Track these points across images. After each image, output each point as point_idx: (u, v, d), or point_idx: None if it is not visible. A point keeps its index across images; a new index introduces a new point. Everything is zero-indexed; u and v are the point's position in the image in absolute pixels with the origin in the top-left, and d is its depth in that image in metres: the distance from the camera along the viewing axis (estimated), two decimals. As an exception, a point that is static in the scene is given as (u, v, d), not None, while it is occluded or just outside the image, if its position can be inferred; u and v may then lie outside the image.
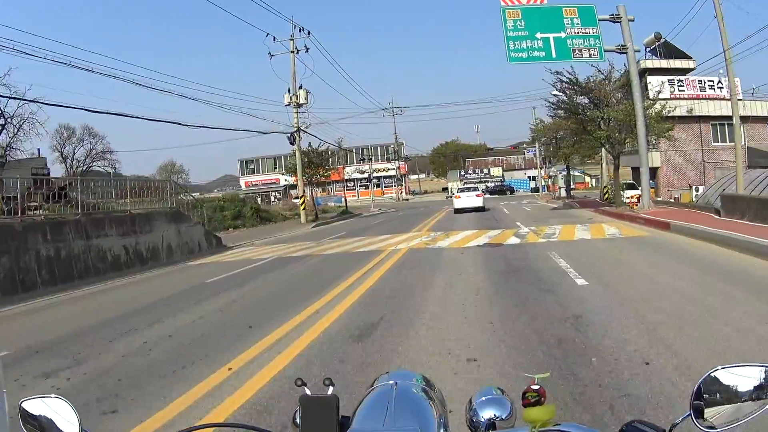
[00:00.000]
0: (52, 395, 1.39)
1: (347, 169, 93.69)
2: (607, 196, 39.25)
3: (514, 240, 17.35)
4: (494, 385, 1.77)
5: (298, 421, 1.47)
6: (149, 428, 4.58)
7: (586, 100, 29.01)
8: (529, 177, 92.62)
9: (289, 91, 40.77)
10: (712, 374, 1.22)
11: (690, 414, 1.20)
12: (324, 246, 20.47)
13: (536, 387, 1.34)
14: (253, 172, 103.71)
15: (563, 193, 50.67)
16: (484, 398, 1.67)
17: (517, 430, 1.44)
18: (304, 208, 40.48)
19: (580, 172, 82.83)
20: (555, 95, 30.31)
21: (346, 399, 1.90)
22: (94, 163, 79.21)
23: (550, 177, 76.39)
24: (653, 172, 45.81)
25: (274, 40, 40.73)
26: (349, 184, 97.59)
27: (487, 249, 15.56)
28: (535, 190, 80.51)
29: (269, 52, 40.22)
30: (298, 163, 41.13)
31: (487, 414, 1.62)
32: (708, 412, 1.20)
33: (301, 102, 40.62)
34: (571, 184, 51.38)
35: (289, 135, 40.19)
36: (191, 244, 22.67)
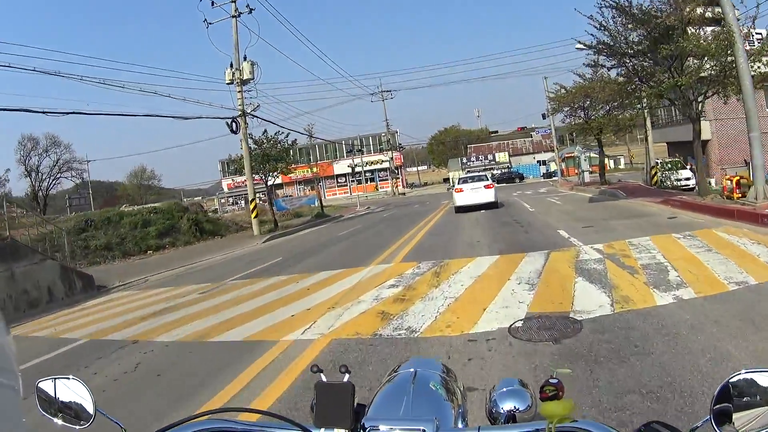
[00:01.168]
0: (70, 376, 1.41)
1: (336, 164, 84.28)
2: (656, 179, 29.15)
3: (588, 297, 7.33)
4: (516, 377, 1.79)
5: (314, 407, 1.42)
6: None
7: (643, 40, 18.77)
8: (538, 162, 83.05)
9: (231, 65, 31.53)
10: (734, 378, 1.18)
11: (710, 418, 1.14)
12: (175, 317, 10.10)
13: (554, 381, 1.35)
14: (236, 173, 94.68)
15: (587, 177, 40.37)
16: (504, 389, 1.69)
17: (535, 423, 1.30)
18: (255, 216, 30.50)
19: (596, 152, 72.51)
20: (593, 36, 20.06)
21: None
22: (62, 175, 73.12)
23: (565, 159, 66.45)
24: (701, 145, 36.58)
25: (213, 4, 31.59)
26: (340, 180, 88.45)
27: (543, 352, 5.50)
28: (549, 175, 70.93)
29: (205, 19, 31.05)
30: (245, 156, 31.16)
31: (507, 405, 1.64)
32: (727, 417, 1.14)
33: (246, 77, 31.29)
34: (588, 166, 41.13)
35: (229, 120, 30.15)
36: (35, 292, 15.53)
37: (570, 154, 62.49)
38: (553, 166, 73.36)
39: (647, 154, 31.09)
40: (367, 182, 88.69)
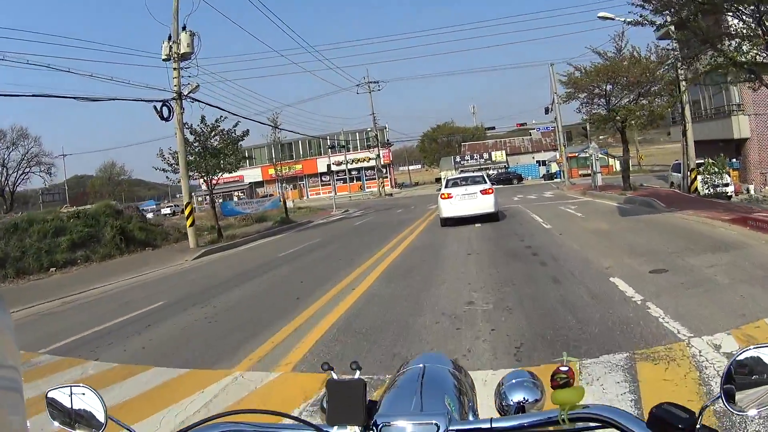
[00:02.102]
0: (80, 385, 1.40)
1: (320, 161, 78.08)
2: (696, 185, 23.07)
3: None
4: (524, 369, 1.83)
5: (325, 405, 1.46)
6: None
7: None
8: (538, 162, 76.79)
9: (169, 38, 25.22)
10: (742, 355, 1.17)
11: (720, 396, 1.14)
12: None
13: (565, 369, 1.34)
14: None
15: (599, 180, 34.10)
16: (513, 381, 1.71)
17: (547, 412, 1.31)
18: (191, 224, 24.25)
19: (603, 152, 66.43)
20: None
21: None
22: (31, 170, 68.18)
23: (569, 159, 60.34)
24: (736, 145, 30.96)
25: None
26: (324, 179, 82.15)
27: None
28: (550, 176, 64.78)
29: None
30: (179, 149, 24.82)
31: (516, 397, 1.66)
32: (739, 394, 1.14)
33: (184, 51, 24.85)
34: (599, 166, 34.94)
35: (159, 104, 23.86)
36: None
37: (572, 154, 56.35)
38: (554, 167, 67.38)
39: (684, 153, 24.87)
40: (353, 181, 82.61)
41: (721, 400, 1.15)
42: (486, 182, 19.89)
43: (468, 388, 1.65)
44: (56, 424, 1.42)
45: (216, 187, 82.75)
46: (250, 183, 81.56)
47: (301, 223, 32.69)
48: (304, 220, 35.12)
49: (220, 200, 54.77)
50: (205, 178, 26.08)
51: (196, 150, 25.58)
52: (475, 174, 23.36)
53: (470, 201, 18.74)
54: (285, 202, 35.97)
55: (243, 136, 26.92)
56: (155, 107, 23.81)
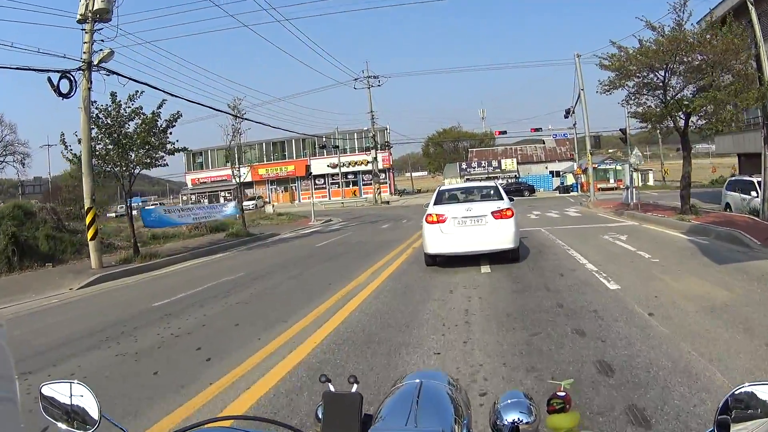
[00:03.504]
0: (74, 381, 1.39)
1: (315, 162, 71.81)
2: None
3: None
4: (520, 389, 1.74)
5: (320, 416, 1.47)
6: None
7: None
8: (551, 172, 70.20)
9: (86, -6, 18.79)
10: (739, 390, 1.18)
11: (714, 429, 1.15)
12: None
13: (562, 394, 1.34)
14: (201, 168, 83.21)
15: (634, 196, 27.09)
16: (509, 401, 1.61)
17: None
18: (93, 236, 18.00)
19: (621, 164, 59.78)
20: None
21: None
22: (5, 160, 63.69)
23: (586, 171, 53.73)
24: None
25: None
26: (318, 182, 75.92)
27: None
28: (565, 189, 58.13)
29: None
30: (83, 134, 18.46)
31: (510, 417, 1.57)
32: (733, 428, 1.15)
33: (98, 6, 18.47)
34: (630, 180, 27.95)
35: (58, 75, 17.50)
36: None
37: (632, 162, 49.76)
38: (570, 179, 60.82)
39: (765, 166, 18.07)
40: (348, 186, 76.29)
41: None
42: (501, 197, 12.66)
43: (463, 406, 1.62)
44: (49, 419, 1.37)
45: (201, 187, 76.53)
46: (238, 183, 74.90)
47: (260, 237, 26.24)
48: (269, 232, 28.64)
49: (204, 200, 47.88)
50: (118, 174, 19.38)
51: (110, 137, 18.94)
52: (484, 184, 15.61)
53: (475, 229, 11.58)
54: (243, 210, 29.18)
55: (172, 120, 20.24)
56: (50, 79, 17.27)
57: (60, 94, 17.16)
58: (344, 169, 73.35)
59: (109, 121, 18.85)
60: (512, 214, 11.64)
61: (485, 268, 11.34)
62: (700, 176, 58.41)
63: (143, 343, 7.68)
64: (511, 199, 12.58)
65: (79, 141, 18.55)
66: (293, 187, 78.78)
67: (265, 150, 79.60)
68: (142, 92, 19.31)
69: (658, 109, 20.11)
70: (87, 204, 18.26)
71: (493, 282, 9.81)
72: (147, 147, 19.56)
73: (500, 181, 53.26)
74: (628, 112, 22.40)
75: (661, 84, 19.86)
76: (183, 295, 11.65)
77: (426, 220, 11.97)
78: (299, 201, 75.55)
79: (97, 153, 19.01)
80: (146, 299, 11.68)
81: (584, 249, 13.44)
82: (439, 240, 11.67)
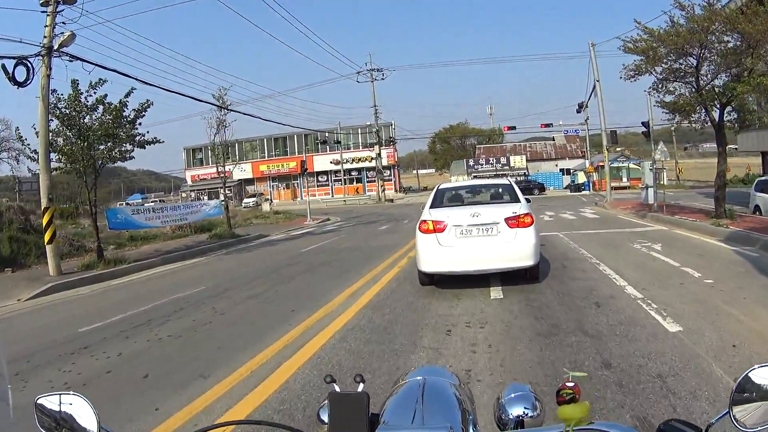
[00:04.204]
0: (70, 392, 1.30)
1: (317, 159, 69.57)
2: None
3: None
4: (523, 383, 1.77)
5: (323, 417, 1.47)
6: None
7: None
8: (561, 170, 67.66)
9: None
10: (750, 373, 1.17)
11: (729, 412, 1.13)
12: None
13: (571, 385, 1.30)
14: (201, 164, 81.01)
15: (651, 196, 24.60)
16: (512, 395, 1.62)
17: (551, 428, 1.31)
18: (51, 239, 15.89)
19: (635, 161, 57.26)
20: None
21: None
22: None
23: (598, 169, 51.34)
24: None
25: None
26: (321, 179, 73.69)
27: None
28: (577, 188, 55.65)
29: None
30: (40, 125, 16.24)
31: (515, 411, 1.57)
32: (746, 411, 1.13)
33: (62, -18, 16.49)
34: (650, 179, 25.39)
35: (14, 62, 15.41)
36: None
37: (601, 163, 47.40)
38: (581, 177, 58.31)
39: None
40: (352, 182, 73.89)
41: (729, 417, 1.11)
42: (516, 199, 9.96)
43: (468, 401, 1.58)
44: None
45: (201, 183, 74.44)
46: (239, 180, 73.22)
47: (246, 239, 23.90)
48: (257, 233, 26.17)
49: (204, 197, 45.19)
50: (81, 170, 17.05)
51: (71, 129, 16.68)
52: (494, 182, 12.74)
53: (483, 242, 8.96)
54: (228, 210, 26.73)
55: (141, 110, 17.88)
56: (3, 66, 15.30)
57: (15, 82, 15.27)
58: (348, 166, 71.12)
59: (67, 111, 16.54)
60: (532, 221, 9.04)
61: (495, 291, 8.84)
62: (711, 176, 55.67)
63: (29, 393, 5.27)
64: (527, 200, 9.96)
65: (37, 134, 16.35)
66: (295, 184, 76.45)
67: (266, 146, 77.37)
68: (105, 80, 17.05)
69: (692, 98, 17.54)
70: (44, 203, 16.24)
71: (506, 316, 7.31)
72: (112, 140, 17.22)
73: (509, 177, 50.77)
74: (656, 102, 19.82)
75: (691, 70, 17.38)
76: (120, 317, 9.47)
77: (420, 228, 9.34)
78: (301, 198, 73.38)
79: (59, 148, 16.83)
80: (79, 320, 9.54)
81: (616, 263, 10.90)
82: (436, 255, 9.06)
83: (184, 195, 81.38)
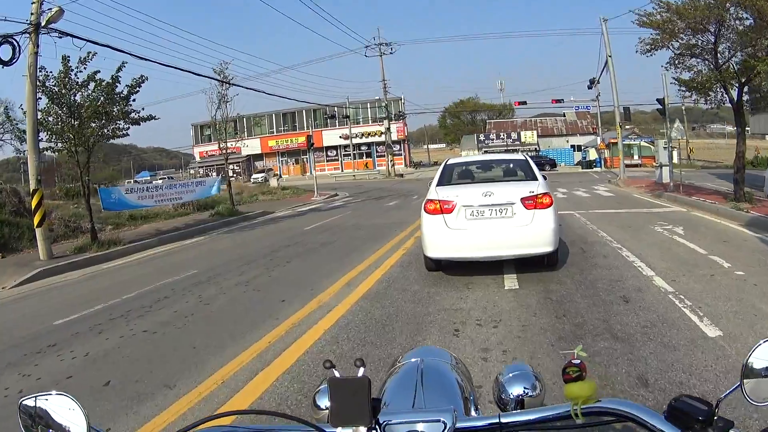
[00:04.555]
0: (53, 392, 1.22)
1: (326, 134, 68.61)
2: None
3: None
4: (522, 361, 1.90)
5: (319, 403, 1.48)
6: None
7: None
8: (572, 146, 66.32)
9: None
10: (762, 346, 1.13)
11: (740, 386, 1.12)
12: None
13: (577, 362, 1.25)
14: (210, 140, 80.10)
15: (665, 174, 23.64)
16: (511, 375, 1.61)
17: (558, 406, 1.23)
18: (40, 222, 14.97)
19: (647, 140, 55.92)
20: None
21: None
22: (3, 137, 61.19)
23: (610, 146, 50.15)
24: None
25: None
26: (330, 153, 72.75)
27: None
28: (588, 164, 54.49)
29: None
30: (27, 105, 15.41)
31: (515, 390, 1.56)
32: (757, 385, 1.11)
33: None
34: (666, 157, 24.28)
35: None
36: None
37: (613, 140, 46.23)
38: (592, 153, 57.11)
39: None
40: (362, 157, 72.81)
41: (741, 390, 1.10)
42: (533, 176, 8.84)
43: (467, 381, 1.57)
44: None
45: (210, 160, 73.82)
46: (248, 156, 72.52)
47: (248, 217, 23.16)
48: (261, 210, 25.40)
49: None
50: (73, 150, 16.31)
51: (61, 107, 15.87)
52: (508, 157, 11.95)
53: (497, 224, 8.01)
54: (230, 186, 25.93)
55: (135, 85, 17.02)
56: None
57: (0, 61, 14.41)
58: (357, 141, 70.06)
59: (56, 89, 15.68)
60: (551, 202, 8.05)
61: (510, 280, 7.95)
62: (722, 157, 54.37)
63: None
64: (544, 178, 8.91)
65: (25, 113, 15.67)
66: (304, 159, 75.47)
67: (274, 121, 76.32)
68: (95, 53, 16.12)
69: (711, 75, 16.48)
70: (32, 185, 15.35)
71: (523, 312, 6.42)
72: (105, 117, 16.41)
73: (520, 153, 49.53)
74: (673, 79, 18.77)
75: (709, 47, 16.36)
76: (101, 306, 8.71)
77: (425, 209, 8.38)
78: (311, 173, 72.73)
79: (48, 126, 16.01)
80: (57, 312, 8.72)
81: (639, 248, 9.98)
82: (443, 238, 8.12)
83: (192, 172, 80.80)
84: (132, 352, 6.21)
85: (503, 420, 1.22)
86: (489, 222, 7.97)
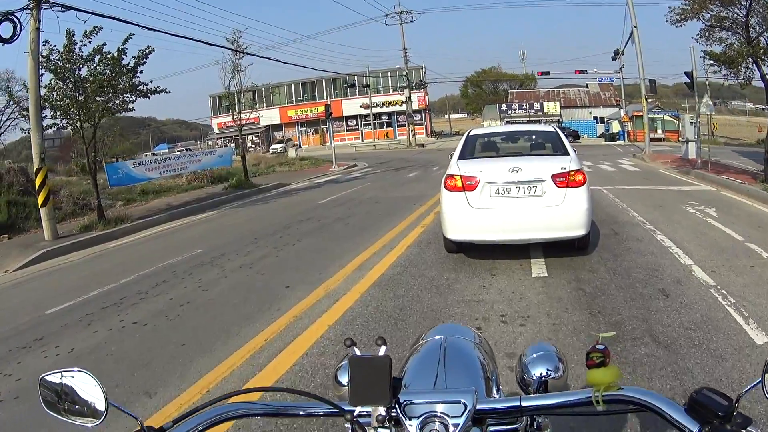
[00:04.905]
0: (75, 369, 1.23)
1: (346, 103, 67.76)
2: None
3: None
4: (546, 341, 1.83)
5: (341, 379, 1.47)
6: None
7: None
8: (595, 118, 64.89)
9: None
10: None
11: (761, 382, 1.06)
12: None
13: (601, 347, 1.22)
14: (228, 111, 79.34)
15: (692, 150, 22.76)
16: (535, 355, 1.61)
17: (580, 392, 1.19)
18: (45, 201, 14.39)
19: (671, 114, 54.52)
20: None
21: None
22: (17, 117, 61.50)
23: (633, 119, 48.95)
24: None
25: None
26: (350, 123, 71.92)
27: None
28: (611, 137, 53.26)
29: None
30: (31, 82, 14.65)
31: (538, 372, 1.56)
32: None
33: None
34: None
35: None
36: None
37: (638, 113, 45.02)
38: (615, 126, 55.80)
39: None
40: (382, 127, 71.83)
41: (762, 385, 1.05)
42: (564, 151, 7.95)
43: (490, 360, 1.54)
44: (50, 412, 1.24)
45: (228, 131, 73.46)
46: (266, 126, 71.94)
47: (263, 189, 22.60)
48: (276, 182, 24.78)
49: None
50: (78, 126, 15.79)
51: (65, 83, 15.34)
52: (537, 128, 11.00)
53: (524, 204, 7.24)
54: (244, 158, 25.34)
55: (142, 57, 16.41)
56: None
57: (0, 39, 13.81)
58: (377, 110, 69.06)
59: (60, 64, 15.11)
60: (584, 180, 7.23)
61: (538, 266, 7.22)
62: (743, 134, 52.86)
63: None
64: (575, 152, 8.02)
65: (27, 91, 15.06)
66: (324, 129, 74.69)
67: (294, 91, 75.39)
68: (100, 28, 15.55)
69: (743, 49, 15.51)
70: (36, 164, 14.71)
71: (553, 306, 5.70)
72: (111, 90, 15.91)
73: (543, 124, 48.30)
74: (702, 53, 17.90)
75: (740, 20, 15.47)
76: (96, 292, 8.15)
77: (445, 185, 7.60)
78: (331, 143, 72.14)
79: (52, 102, 15.45)
80: (52, 299, 8.15)
81: (673, 231, 9.15)
82: (465, 219, 7.35)
83: (210, 143, 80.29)
84: (118, 349, 5.61)
85: (524, 403, 1.19)
86: (516, 201, 7.20)
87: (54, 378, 1.24)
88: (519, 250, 7.76)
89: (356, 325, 5.50)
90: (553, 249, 7.70)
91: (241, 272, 8.38)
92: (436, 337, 1.56)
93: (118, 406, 1.19)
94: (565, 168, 7.17)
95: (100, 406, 1.21)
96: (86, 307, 7.37)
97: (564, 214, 7.02)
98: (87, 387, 1.22)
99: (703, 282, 6.28)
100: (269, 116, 71.80)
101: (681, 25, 17.21)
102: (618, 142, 50.30)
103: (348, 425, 1.16)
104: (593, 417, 1.19)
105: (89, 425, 1.23)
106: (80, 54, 15.25)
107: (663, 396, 1.11)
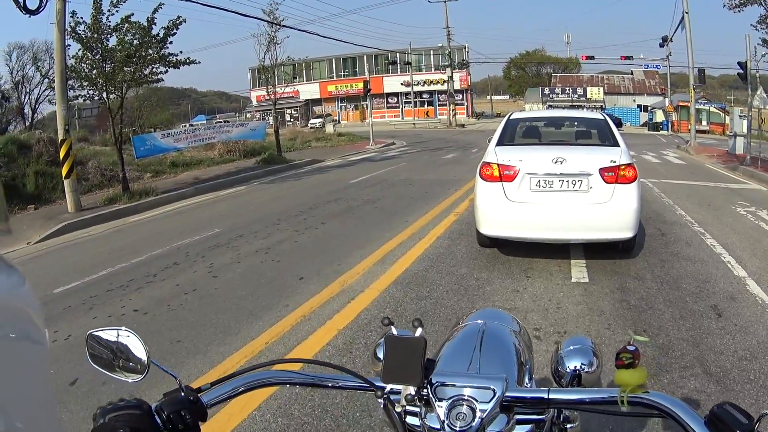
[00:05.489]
0: (121, 327, 1.27)
1: (387, 80, 67.14)
2: None
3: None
4: (584, 335, 1.80)
5: (379, 355, 1.44)
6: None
7: None
8: (639, 106, 63.13)
9: None
10: None
11: None
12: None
13: (632, 349, 1.20)
14: (267, 84, 79.10)
15: (740, 145, 21.87)
16: (571, 347, 1.61)
17: (606, 390, 1.19)
18: (68, 173, 14.13)
19: (717, 105, 52.56)
20: None
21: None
22: (53, 88, 62.21)
23: (678, 109, 47.39)
24: None
25: None
26: (390, 101, 71.23)
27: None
28: (655, 126, 51.78)
29: None
30: (57, 53, 14.42)
31: (573, 364, 1.56)
32: None
33: None
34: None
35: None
36: None
37: (684, 103, 43.55)
38: (659, 116, 54.11)
39: None
40: (423, 105, 70.94)
41: None
42: (615, 142, 7.27)
43: (526, 349, 1.56)
44: (96, 366, 1.29)
45: (266, 104, 73.70)
46: (306, 100, 71.62)
47: (296, 165, 22.20)
48: (310, 158, 24.36)
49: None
50: (103, 98, 15.53)
51: (92, 53, 15.06)
52: (584, 115, 9.80)
53: (568, 199, 6.55)
54: (277, 132, 24.89)
55: (171, 27, 16.04)
56: None
57: (26, 10, 13.52)
58: (418, 88, 68.18)
59: (88, 34, 14.82)
60: (635, 176, 6.54)
61: (578, 269, 6.54)
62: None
63: None
64: (628, 150, 7.17)
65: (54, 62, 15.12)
66: (364, 105, 74.09)
67: (334, 66, 74.76)
68: (157, 7, 15.53)
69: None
70: (60, 135, 14.43)
71: (594, 321, 5.03)
72: (140, 61, 15.61)
73: (586, 109, 46.58)
74: (761, 39, 16.91)
75: None
76: (107, 272, 7.77)
77: (481, 173, 6.92)
78: (371, 119, 71.63)
79: (80, 73, 15.26)
80: (63, 276, 7.81)
81: (725, 235, 8.35)
82: (501, 213, 6.69)
83: (248, 116, 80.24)
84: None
85: (551, 396, 1.19)
86: (558, 196, 6.51)
87: (109, 336, 1.27)
88: (558, 250, 7.09)
89: (369, 331, 4.89)
90: (595, 249, 7.00)
91: (255, 258, 7.85)
92: (478, 321, 1.57)
93: (159, 365, 1.20)
94: (614, 161, 6.46)
95: (142, 362, 1.23)
96: (93, 288, 6.98)
97: (611, 213, 6.33)
98: (131, 344, 1.26)
99: (759, 299, 5.54)
100: (309, 90, 71.42)
101: (740, 11, 16.30)
102: (662, 132, 49.10)
103: (380, 401, 1.19)
104: (616, 417, 1.19)
105: (129, 380, 1.26)
106: (108, 24, 14.95)
107: (687, 406, 1.08)
